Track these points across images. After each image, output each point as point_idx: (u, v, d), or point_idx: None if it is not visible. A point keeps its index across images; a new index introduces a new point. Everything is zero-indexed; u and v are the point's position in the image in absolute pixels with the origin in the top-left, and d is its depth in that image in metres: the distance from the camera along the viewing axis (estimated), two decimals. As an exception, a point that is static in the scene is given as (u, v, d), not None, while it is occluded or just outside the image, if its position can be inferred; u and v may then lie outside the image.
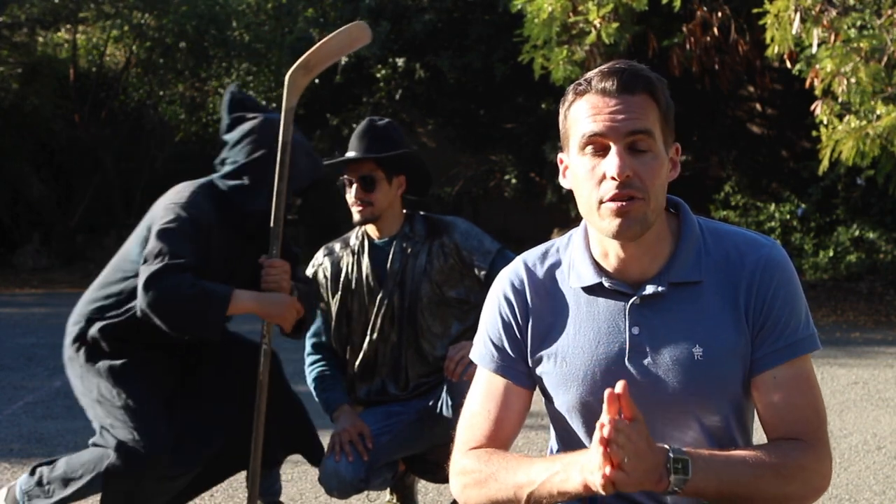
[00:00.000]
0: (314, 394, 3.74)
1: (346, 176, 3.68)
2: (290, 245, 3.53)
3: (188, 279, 3.12)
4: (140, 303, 3.13)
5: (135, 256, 3.26)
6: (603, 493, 1.76)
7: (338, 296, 3.75)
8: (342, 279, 3.74)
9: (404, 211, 3.77)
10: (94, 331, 3.27)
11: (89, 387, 3.28)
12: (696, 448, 1.90)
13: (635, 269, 1.98)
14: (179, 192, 3.27)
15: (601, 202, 1.89)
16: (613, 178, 1.87)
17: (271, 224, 3.33)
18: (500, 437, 2.04)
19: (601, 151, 1.89)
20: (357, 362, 3.77)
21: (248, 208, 3.29)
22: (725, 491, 1.83)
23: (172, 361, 3.38)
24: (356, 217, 3.69)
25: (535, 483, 1.88)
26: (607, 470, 1.73)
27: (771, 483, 1.86)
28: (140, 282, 3.13)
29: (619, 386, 1.75)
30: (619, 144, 1.87)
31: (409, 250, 3.69)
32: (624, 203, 1.87)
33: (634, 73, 1.90)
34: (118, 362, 3.26)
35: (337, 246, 3.81)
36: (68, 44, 14.31)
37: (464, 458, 2.02)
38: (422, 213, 3.82)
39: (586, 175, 1.91)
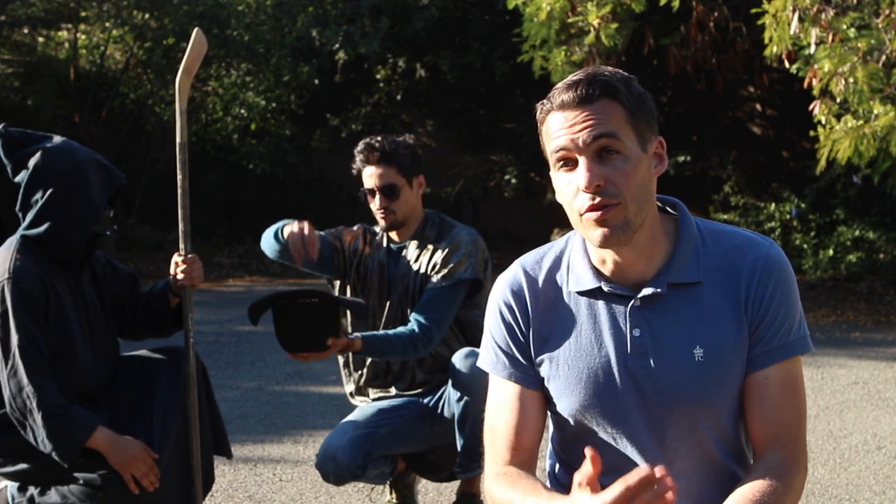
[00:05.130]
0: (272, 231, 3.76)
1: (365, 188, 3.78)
2: (121, 265, 3.53)
3: (49, 396, 3.07)
4: (7, 408, 3.10)
5: None
6: None
7: (349, 279, 3.82)
8: (356, 265, 3.82)
9: (425, 210, 3.85)
10: None
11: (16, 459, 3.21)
12: (702, 454, 1.96)
13: (633, 271, 1.98)
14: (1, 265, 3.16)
15: (580, 214, 1.91)
16: (585, 190, 1.88)
17: (93, 237, 3.27)
18: (523, 446, 2.03)
19: (572, 165, 1.91)
20: (367, 361, 3.83)
21: (67, 246, 3.22)
22: None
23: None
24: (381, 224, 3.79)
25: None
26: None
27: None
28: (3, 384, 3.08)
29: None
30: (584, 155, 1.89)
31: (418, 253, 3.76)
32: (600, 212, 1.88)
33: (590, 80, 1.90)
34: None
35: (366, 235, 3.88)
36: (68, 44, 14.31)
37: (492, 483, 2.01)
38: (440, 215, 3.88)
39: (564, 190, 1.93)
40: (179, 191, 3.35)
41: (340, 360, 3.93)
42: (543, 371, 2.03)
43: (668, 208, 2.05)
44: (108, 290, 3.41)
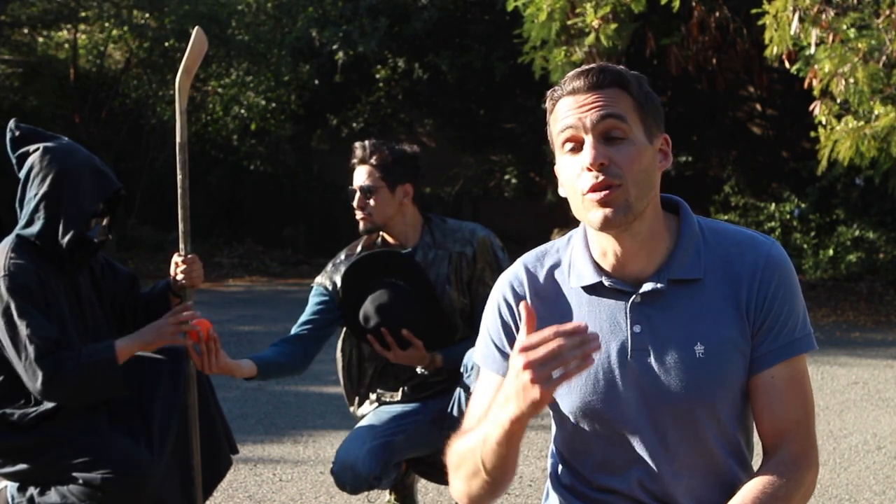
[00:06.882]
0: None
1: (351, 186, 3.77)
2: (120, 266, 3.53)
3: (65, 360, 3.08)
4: (35, 393, 3.12)
5: None
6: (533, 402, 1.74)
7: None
8: None
9: (427, 215, 3.81)
10: None
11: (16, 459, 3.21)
12: (703, 453, 1.95)
13: (634, 266, 1.98)
14: None
15: (583, 195, 1.91)
16: (589, 168, 1.89)
17: (87, 240, 3.26)
18: None
19: (578, 147, 1.93)
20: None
21: (61, 242, 3.21)
22: None
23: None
24: (360, 226, 3.77)
25: (483, 437, 1.86)
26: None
27: None
28: (25, 379, 3.10)
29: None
30: (591, 134, 1.91)
31: (432, 258, 3.72)
32: (604, 193, 1.89)
33: (602, 69, 1.94)
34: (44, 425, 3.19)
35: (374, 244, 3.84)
36: (68, 44, 14.31)
37: (448, 450, 1.99)
38: (440, 217, 3.85)
39: (569, 172, 1.94)
40: (179, 191, 3.35)
41: (340, 363, 3.90)
42: None
43: (670, 206, 2.06)
44: (108, 291, 3.40)
